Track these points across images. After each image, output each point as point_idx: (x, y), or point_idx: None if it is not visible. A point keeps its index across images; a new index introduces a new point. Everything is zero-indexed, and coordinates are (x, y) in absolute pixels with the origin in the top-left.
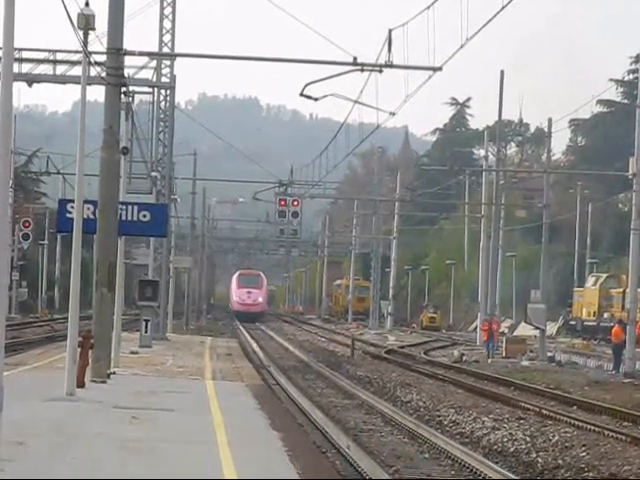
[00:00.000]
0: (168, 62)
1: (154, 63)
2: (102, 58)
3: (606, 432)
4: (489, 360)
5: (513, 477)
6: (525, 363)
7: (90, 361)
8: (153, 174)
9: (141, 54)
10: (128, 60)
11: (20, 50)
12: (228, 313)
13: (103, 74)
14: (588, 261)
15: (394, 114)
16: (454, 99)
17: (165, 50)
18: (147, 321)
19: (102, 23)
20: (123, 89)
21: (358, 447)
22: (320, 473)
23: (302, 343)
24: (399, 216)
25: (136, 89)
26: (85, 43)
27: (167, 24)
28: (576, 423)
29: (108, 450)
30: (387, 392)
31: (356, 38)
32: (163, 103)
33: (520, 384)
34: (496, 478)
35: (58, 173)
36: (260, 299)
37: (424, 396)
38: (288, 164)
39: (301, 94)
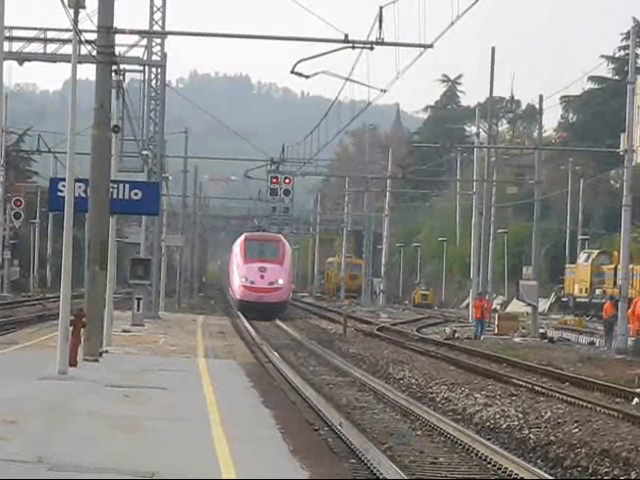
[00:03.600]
0: (159, 40)
1: (145, 41)
2: (93, 36)
3: (598, 408)
4: (481, 337)
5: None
6: (517, 340)
7: (82, 340)
8: (144, 152)
9: (132, 32)
10: (119, 38)
11: (10, 29)
12: (220, 290)
13: (94, 52)
14: (580, 237)
15: (385, 91)
16: (445, 76)
17: (156, 28)
18: (139, 299)
19: (92, 1)
20: (114, 67)
21: (350, 424)
22: (312, 450)
23: (294, 321)
24: (391, 193)
25: (127, 67)
26: (75, 21)
27: (158, 2)
28: (568, 399)
29: (100, 428)
30: (379, 369)
31: (347, 15)
32: (154, 81)
33: (512, 361)
34: (488, 454)
35: (49, 152)
36: (281, 280)
37: (416, 373)
38: (280, 142)
39: (292, 72)
